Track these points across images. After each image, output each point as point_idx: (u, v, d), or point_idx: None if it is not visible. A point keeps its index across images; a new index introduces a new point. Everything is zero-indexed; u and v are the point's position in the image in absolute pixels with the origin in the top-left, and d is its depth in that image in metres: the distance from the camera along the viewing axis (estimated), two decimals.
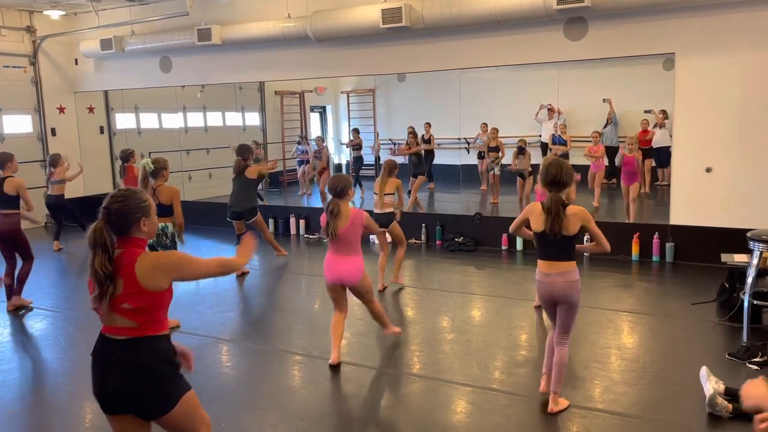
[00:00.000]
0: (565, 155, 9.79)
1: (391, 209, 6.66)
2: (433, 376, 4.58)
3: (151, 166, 5.61)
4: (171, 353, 2.62)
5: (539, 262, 3.87)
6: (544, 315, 5.74)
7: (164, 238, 5.50)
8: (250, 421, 4.02)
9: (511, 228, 4.10)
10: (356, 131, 12.47)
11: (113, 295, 2.47)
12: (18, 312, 6.34)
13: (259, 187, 8.83)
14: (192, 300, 6.94)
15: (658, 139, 10.58)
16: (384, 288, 6.73)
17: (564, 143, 10.42)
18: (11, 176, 6.37)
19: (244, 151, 7.68)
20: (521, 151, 9.89)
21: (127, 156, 8.64)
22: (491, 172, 10.68)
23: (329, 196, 4.74)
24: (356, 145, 12.32)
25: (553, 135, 10.75)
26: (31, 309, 6.40)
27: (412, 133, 11.49)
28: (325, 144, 12.43)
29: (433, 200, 11.63)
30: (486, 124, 11.51)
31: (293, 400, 4.33)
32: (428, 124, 11.96)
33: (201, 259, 2.61)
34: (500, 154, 10.62)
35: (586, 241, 6.14)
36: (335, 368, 4.72)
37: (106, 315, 2.54)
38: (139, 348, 2.51)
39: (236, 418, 4.00)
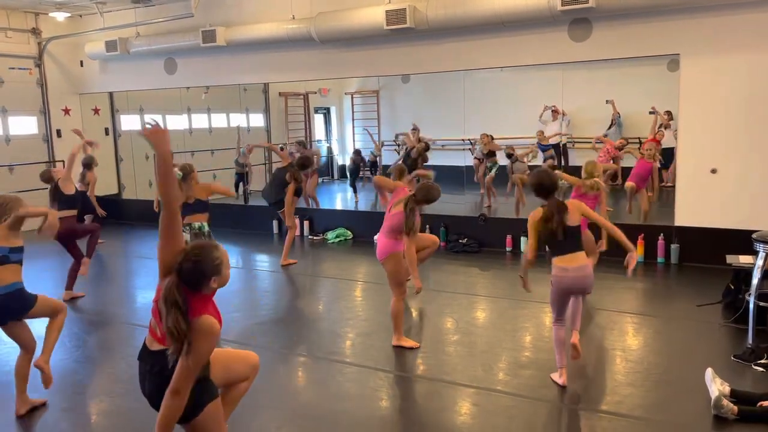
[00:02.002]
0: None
1: None
2: (437, 377, 4.58)
3: (180, 173, 6.07)
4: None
5: (556, 259, 4.12)
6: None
7: (201, 237, 5.93)
8: (254, 421, 4.02)
9: (530, 255, 4.20)
10: (357, 153, 12.69)
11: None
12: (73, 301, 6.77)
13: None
14: None
15: (663, 140, 10.55)
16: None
17: (548, 148, 10.48)
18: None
19: (307, 162, 7.92)
20: (509, 157, 10.00)
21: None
22: (488, 177, 10.65)
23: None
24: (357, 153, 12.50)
25: (539, 143, 10.76)
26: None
27: (415, 129, 11.59)
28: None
29: (437, 201, 11.62)
30: (486, 135, 11.47)
31: (297, 401, 4.34)
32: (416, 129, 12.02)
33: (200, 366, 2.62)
34: (496, 157, 10.64)
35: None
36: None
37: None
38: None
39: (240, 419, 4.00)
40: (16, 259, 4.02)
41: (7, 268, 3.97)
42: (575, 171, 10.31)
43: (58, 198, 6.72)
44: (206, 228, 6.04)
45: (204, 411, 2.70)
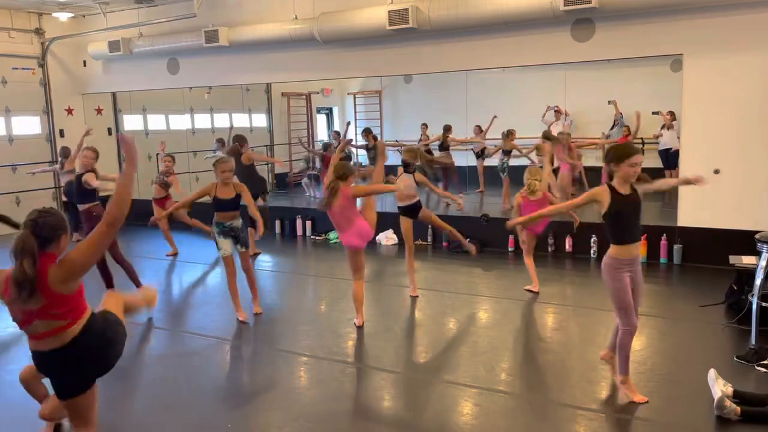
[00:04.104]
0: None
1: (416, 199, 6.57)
2: (439, 377, 4.58)
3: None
4: (105, 329, 3.01)
5: (625, 247, 3.97)
6: (546, 317, 5.73)
7: (241, 236, 5.89)
8: (256, 421, 4.03)
9: (571, 204, 4.29)
10: (337, 133, 12.61)
11: (40, 306, 2.68)
12: None
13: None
14: (198, 300, 6.98)
15: (666, 141, 10.55)
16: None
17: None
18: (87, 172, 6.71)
19: (239, 139, 8.64)
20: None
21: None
22: (505, 175, 10.57)
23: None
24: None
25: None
26: None
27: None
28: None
29: (440, 202, 11.64)
30: (479, 126, 11.43)
31: (299, 401, 4.33)
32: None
33: (91, 254, 2.76)
34: (508, 157, 10.58)
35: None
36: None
37: (31, 327, 2.76)
38: (76, 339, 2.82)
39: (242, 419, 4.01)
40: None
41: None
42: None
43: (81, 189, 6.57)
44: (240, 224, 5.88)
45: (92, 388, 2.98)
